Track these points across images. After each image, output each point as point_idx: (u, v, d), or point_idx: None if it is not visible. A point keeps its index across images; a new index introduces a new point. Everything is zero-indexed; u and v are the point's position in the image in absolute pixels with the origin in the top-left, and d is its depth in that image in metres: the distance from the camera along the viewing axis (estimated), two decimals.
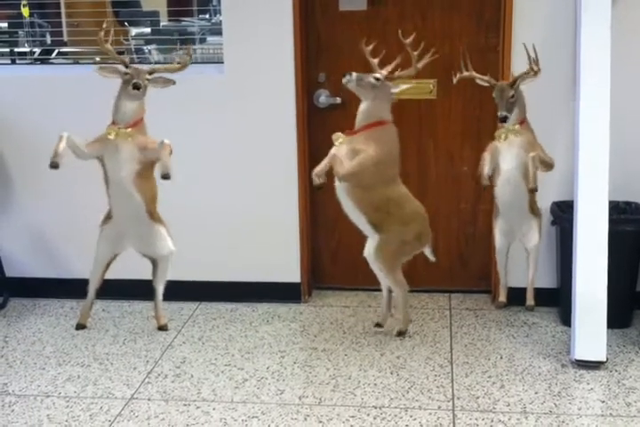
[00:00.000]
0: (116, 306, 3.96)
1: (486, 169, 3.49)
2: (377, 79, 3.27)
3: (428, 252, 3.55)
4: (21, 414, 2.95)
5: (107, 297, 3.91)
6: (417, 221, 3.45)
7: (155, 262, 3.61)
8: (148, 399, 3.05)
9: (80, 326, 3.71)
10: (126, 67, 3.35)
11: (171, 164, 3.28)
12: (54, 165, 3.27)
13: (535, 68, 3.34)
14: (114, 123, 3.36)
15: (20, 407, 3.00)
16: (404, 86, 3.34)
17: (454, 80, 3.48)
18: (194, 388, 3.13)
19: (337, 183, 3.32)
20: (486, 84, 3.46)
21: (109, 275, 3.67)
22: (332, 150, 3.29)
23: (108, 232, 3.54)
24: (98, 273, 3.61)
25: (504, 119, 3.37)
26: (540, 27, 3.58)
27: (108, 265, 3.61)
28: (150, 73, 3.37)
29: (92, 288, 3.64)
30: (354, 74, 3.25)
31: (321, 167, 3.25)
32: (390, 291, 3.56)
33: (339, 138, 3.31)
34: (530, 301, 3.70)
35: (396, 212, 3.39)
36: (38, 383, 3.19)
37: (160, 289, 3.63)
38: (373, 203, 3.35)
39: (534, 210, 3.59)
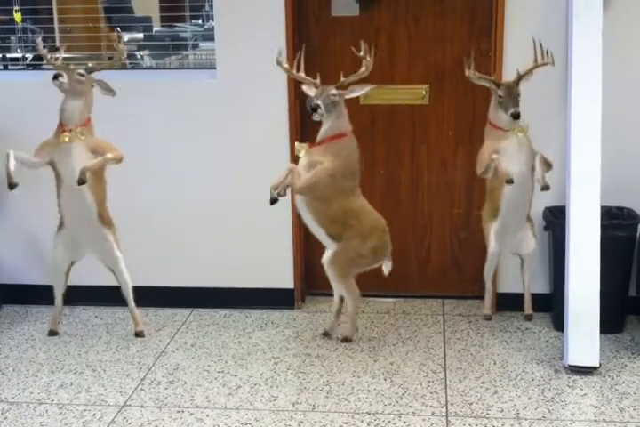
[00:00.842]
0: (108, 313, 3.95)
1: (505, 168, 3.38)
2: (334, 95, 3.28)
3: (385, 265, 3.53)
4: (14, 422, 2.94)
5: (99, 304, 3.91)
6: (376, 234, 3.45)
7: (112, 271, 3.61)
8: (142, 406, 3.04)
9: (52, 333, 3.71)
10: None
11: (91, 169, 3.32)
12: (13, 186, 3.28)
13: (543, 61, 3.34)
14: (61, 125, 3.36)
15: (12, 415, 2.99)
16: (360, 91, 3.33)
17: (467, 73, 3.42)
18: (187, 394, 3.12)
19: (296, 196, 3.35)
20: (488, 85, 3.43)
21: (102, 281, 3.67)
22: (290, 164, 3.32)
23: (62, 239, 3.55)
24: (60, 280, 3.62)
25: (518, 115, 3.33)
26: (532, 32, 3.58)
27: (67, 272, 3.63)
28: (90, 71, 3.37)
29: (59, 294, 3.66)
30: (320, 104, 3.24)
31: (279, 180, 3.27)
32: (342, 299, 3.55)
33: (301, 150, 3.32)
34: (528, 310, 3.71)
35: (355, 224, 3.39)
36: (31, 390, 3.18)
37: (129, 297, 3.63)
38: (331, 215, 3.37)
39: (529, 216, 3.61)
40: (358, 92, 3.33)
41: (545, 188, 3.38)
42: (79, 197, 3.41)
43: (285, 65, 3.32)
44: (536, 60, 3.36)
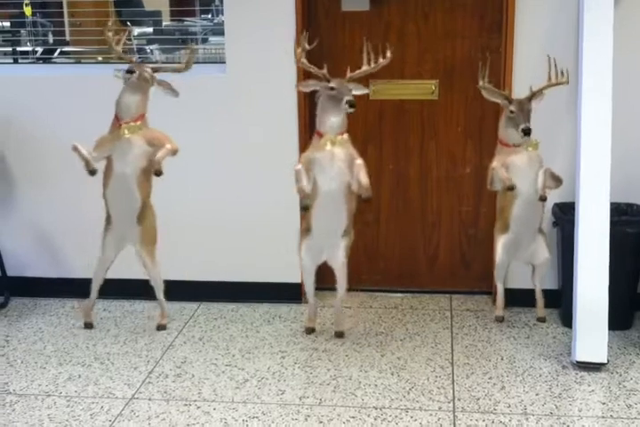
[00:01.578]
0: (117, 306, 3.96)
1: (505, 174, 3.37)
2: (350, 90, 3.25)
3: None
4: (22, 414, 2.95)
5: (108, 297, 3.92)
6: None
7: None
8: (149, 399, 3.05)
9: (88, 325, 3.73)
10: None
11: (163, 161, 3.34)
12: (93, 172, 3.32)
13: (557, 80, 3.33)
14: (118, 120, 3.37)
15: (20, 407, 3.01)
16: (359, 91, 3.31)
17: (480, 84, 3.40)
18: (194, 388, 3.13)
19: (336, 186, 3.28)
20: (500, 101, 3.40)
21: (110, 275, 3.68)
22: (358, 160, 3.25)
23: (109, 238, 3.57)
24: (101, 274, 3.63)
25: (528, 132, 3.28)
26: (543, 28, 3.58)
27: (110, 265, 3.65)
28: (155, 71, 3.39)
29: (96, 288, 3.66)
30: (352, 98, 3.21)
31: (367, 179, 3.22)
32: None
33: (329, 142, 3.26)
34: (541, 313, 3.69)
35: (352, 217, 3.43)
36: (39, 383, 3.20)
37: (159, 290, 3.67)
38: (354, 208, 3.38)
39: (541, 228, 3.59)
40: (357, 91, 3.30)
41: (542, 198, 3.37)
42: (127, 193, 3.43)
43: (304, 60, 3.27)
44: (550, 79, 3.33)
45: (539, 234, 3.59)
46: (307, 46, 3.26)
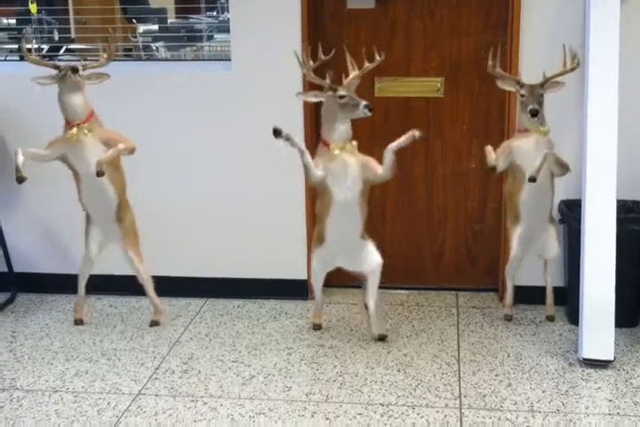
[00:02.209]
0: (123, 302, 3.96)
1: (493, 156, 3.34)
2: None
3: None
4: (29, 409, 2.96)
5: (114, 293, 3.93)
6: None
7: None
8: (156, 395, 3.06)
9: (78, 322, 3.74)
10: (57, 67, 3.38)
11: (107, 161, 3.33)
12: (21, 180, 3.33)
13: (571, 66, 3.27)
14: (67, 122, 3.38)
15: (28, 402, 3.01)
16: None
17: (489, 68, 3.33)
18: (201, 384, 3.14)
19: (351, 195, 3.25)
20: (512, 87, 3.34)
21: (117, 271, 3.69)
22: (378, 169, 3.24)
23: (91, 236, 3.59)
24: (87, 271, 3.67)
25: (535, 112, 3.23)
26: (549, 24, 3.57)
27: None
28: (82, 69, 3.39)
29: (82, 284, 3.70)
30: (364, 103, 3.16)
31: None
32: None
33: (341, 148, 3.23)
34: (550, 311, 3.67)
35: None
36: (46, 378, 3.20)
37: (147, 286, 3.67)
38: (367, 211, 3.37)
39: (552, 217, 3.56)
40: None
41: (530, 179, 3.24)
42: (100, 191, 3.44)
43: (312, 74, 3.23)
44: (565, 65, 3.28)
45: (550, 224, 3.54)
46: (311, 63, 3.23)
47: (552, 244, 3.56)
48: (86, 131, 3.36)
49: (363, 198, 3.31)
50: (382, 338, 3.48)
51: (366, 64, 3.25)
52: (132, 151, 3.41)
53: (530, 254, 3.61)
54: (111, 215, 3.50)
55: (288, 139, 3.16)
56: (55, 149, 3.42)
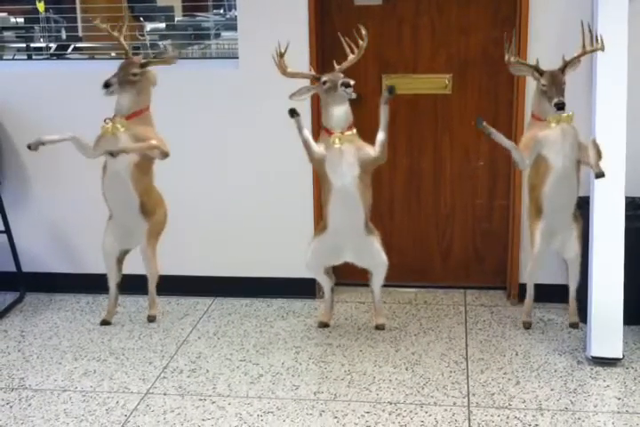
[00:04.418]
0: (131, 301, 3.97)
1: (520, 155, 3.18)
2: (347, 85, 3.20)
3: None
4: (38, 409, 2.97)
5: (122, 292, 3.92)
6: None
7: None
8: (164, 394, 3.06)
9: (105, 323, 3.73)
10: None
11: (130, 150, 3.36)
12: (34, 147, 3.38)
13: (592, 47, 3.10)
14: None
15: (36, 402, 3.02)
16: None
17: (506, 58, 3.17)
18: (209, 383, 3.14)
19: (348, 181, 3.25)
20: (530, 74, 3.18)
21: (125, 270, 3.69)
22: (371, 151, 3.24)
23: (110, 227, 3.59)
24: (112, 269, 3.65)
25: (562, 106, 3.06)
26: (557, 20, 3.56)
27: (119, 261, 3.65)
28: (143, 65, 3.39)
29: (113, 283, 3.68)
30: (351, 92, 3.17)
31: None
32: (332, 290, 3.61)
33: (338, 139, 3.23)
34: (573, 318, 3.52)
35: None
36: (55, 378, 3.21)
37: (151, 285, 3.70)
38: (369, 198, 3.36)
39: (576, 215, 3.38)
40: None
41: (599, 175, 3.06)
42: (123, 189, 3.44)
43: (290, 69, 3.24)
44: (584, 46, 3.11)
45: (573, 222, 3.36)
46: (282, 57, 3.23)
47: (572, 243, 3.38)
48: (119, 126, 3.36)
49: (363, 184, 3.28)
50: (380, 327, 3.56)
51: (360, 42, 3.22)
52: (163, 155, 3.40)
53: (550, 252, 3.48)
54: (135, 212, 3.50)
55: (298, 119, 3.19)
56: (98, 146, 3.41)
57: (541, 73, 3.14)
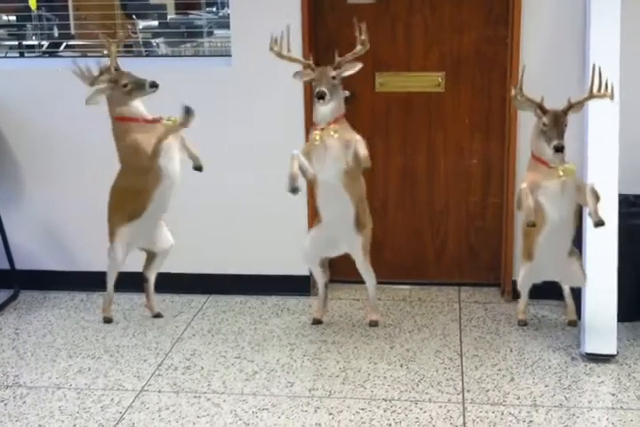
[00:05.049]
0: (125, 298, 3.96)
1: (531, 202, 3.07)
2: (334, 77, 3.21)
3: None
4: (33, 406, 2.96)
5: (116, 289, 3.92)
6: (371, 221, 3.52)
7: (154, 255, 3.68)
8: (159, 391, 3.06)
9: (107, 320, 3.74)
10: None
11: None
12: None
13: (600, 93, 3.04)
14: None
15: (31, 399, 3.02)
16: (352, 69, 3.24)
17: (512, 93, 3.13)
18: (204, 380, 3.14)
19: (334, 176, 3.26)
20: (532, 111, 3.10)
21: (119, 267, 3.68)
22: (357, 136, 3.21)
23: (128, 231, 3.57)
24: (117, 271, 3.65)
25: (561, 149, 3.01)
26: (549, 19, 3.57)
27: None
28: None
29: (112, 284, 3.68)
30: (325, 91, 3.15)
31: (294, 168, 3.18)
32: (326, 286, 3.62)
33: (317, 136, 3.23)
34: (571, 316, 3.53)
35: (365, 208, 3.43)
36: (49, 375, 3.21)
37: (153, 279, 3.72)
38: (359, 193, 3.37)
39: (573, 250, 3.32)
40: (350, 70, 3.24)
41: (599, 224, 3.00)
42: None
43: (276, 49, 3.23)
44: (592, 91, 3.05)
45: (572, 257, 3.31)
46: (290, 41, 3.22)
47: (577, 274, 3.31)
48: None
49: (350, 178, 3.27)
50: (373, 324, 3.59)
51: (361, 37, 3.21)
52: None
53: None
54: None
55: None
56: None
57: (544, 111, 3.08)
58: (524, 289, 3.52)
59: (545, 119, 3.06)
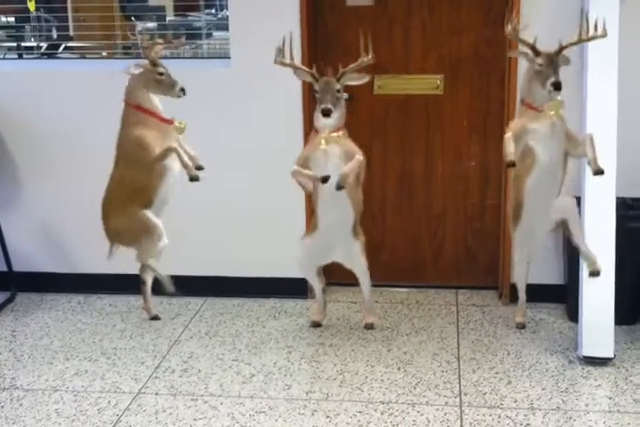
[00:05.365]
0: (123, 301, 3.96)
1: (511, 148, 3.04)
2: (338, 91, 3.18)
3: None
4: (30, 409, 2.96)
5: (114, 292, 3.93)
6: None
7: None
8: (156, 394, 3.06)
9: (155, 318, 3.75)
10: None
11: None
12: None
13: (588, 36, 3.03)
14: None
15: (28, 402, 3.01)
16: (357, 81, 3.23)
17: (507, 30, 3.11)
18: (201, 383, 3.14)
19: (334, 180, 3.22)
20: (525, 53, 3.09)
21: (117, 270, 3.68)
22: (359, 154, 3.22)
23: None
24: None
25: (559, 86, 2.98)
26: (547, 20, 3.56)
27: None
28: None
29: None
30: (331, 108, 3.12)
31: (350, 169, 3.19)
32: (324, 291, 3.63)
33: (324, 141, 3.23)
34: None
35: (358, 216, 3.42)
36: (46, 378, 3.20)
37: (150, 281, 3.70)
38: (358, 201, 3.37)
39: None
40: (356, 81, 3.23)
41: (598, 172, 3.00)
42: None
43: (281, 59, 3.21)
44: (581, 34, 3.04)
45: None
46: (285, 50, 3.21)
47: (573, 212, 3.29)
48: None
49: (351, 185, 3.26)
50: (369, 327, 3.58)
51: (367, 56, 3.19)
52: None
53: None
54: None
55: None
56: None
57: (537, 53, 3.07)
58: (519, 268, 3.46)
59: (539, 60, 3.06)
